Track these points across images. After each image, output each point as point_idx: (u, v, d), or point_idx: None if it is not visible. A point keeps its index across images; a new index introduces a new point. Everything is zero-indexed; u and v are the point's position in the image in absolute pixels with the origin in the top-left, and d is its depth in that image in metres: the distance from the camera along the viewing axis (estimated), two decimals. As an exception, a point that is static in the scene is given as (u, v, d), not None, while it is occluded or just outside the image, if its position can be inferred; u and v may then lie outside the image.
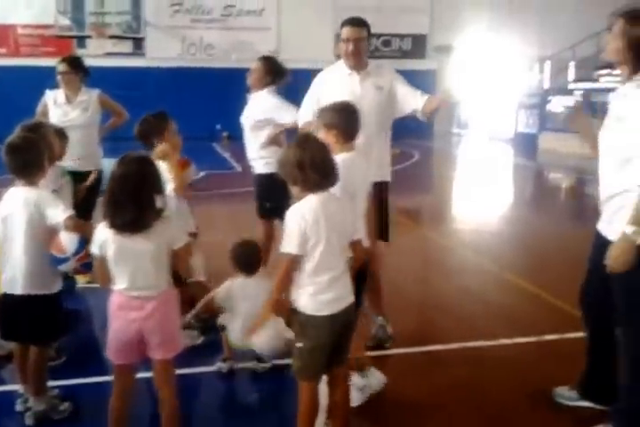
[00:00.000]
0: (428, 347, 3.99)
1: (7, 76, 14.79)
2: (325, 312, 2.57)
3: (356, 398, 3.13)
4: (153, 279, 2.58)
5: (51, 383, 3.15)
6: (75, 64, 5.04)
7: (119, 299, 2.61)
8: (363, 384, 3.25)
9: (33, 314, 2.94)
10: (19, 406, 3.12)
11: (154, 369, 2.71)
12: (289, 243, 2.51)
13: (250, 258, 3.60)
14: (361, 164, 3.01)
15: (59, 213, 2.83)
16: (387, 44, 17.85)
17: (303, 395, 2.67)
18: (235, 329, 3.47)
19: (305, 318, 2.59)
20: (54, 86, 5.09)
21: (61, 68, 4.98)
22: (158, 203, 2.55)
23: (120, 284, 2.58)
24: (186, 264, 2.72)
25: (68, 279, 4.62)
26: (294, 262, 2.53)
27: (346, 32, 3.79)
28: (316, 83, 4.01)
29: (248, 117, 4.80)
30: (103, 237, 2.54)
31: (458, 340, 4.05)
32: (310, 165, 2.52)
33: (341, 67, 3.93)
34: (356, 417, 3.02)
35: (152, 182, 2.55)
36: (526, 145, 16.43)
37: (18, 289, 2.91)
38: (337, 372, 2.75)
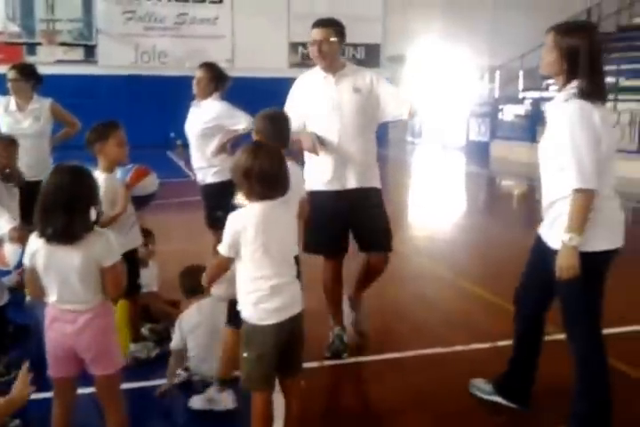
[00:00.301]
0: (386, 355, 3.99)
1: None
2: (270, 321, 2.57)
3: (196, 403, 3.19)
4: (82, 294, 2.51)
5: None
6: (25, 71, 4.94)
7: (53, 311, 2.56)
8: (213, 398, 3.21)
9: None
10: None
11: (96, 385, 2.65)
12: (223, 244, 2.56)
13: (196, 285, 3.54)
14: (294, 171, 2.99)
15: (2, 223, 2.76)
16: (341, 53, 17.97)
17: (255, 405, 2.66)
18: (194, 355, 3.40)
19: (250, 328, 2.60)
20: (5, 93, 4.97)
21: (11, 75, 4.87)
22: (92, 215, 2.50)
23: (51, 296, 2.53)
24: (114, 284, 2.54)
25: (16, 292, 4.51)
26: (225, 263, 2.59)
27: (313, 33, 3.75)
28: (293, 89, 3.99)
29: (196, 125, 4.77)
30: (34, 246, 2.49)
31: (414, 347, 4.07)
32: (257, 174, 2.52)
33: (317, 71, 3.89)
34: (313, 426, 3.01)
35: (85, 194, 2.49)
36: (478, 153, 16.70)
37: None
38: (289, 382, 2.74)
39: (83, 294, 2.51)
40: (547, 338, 4.17)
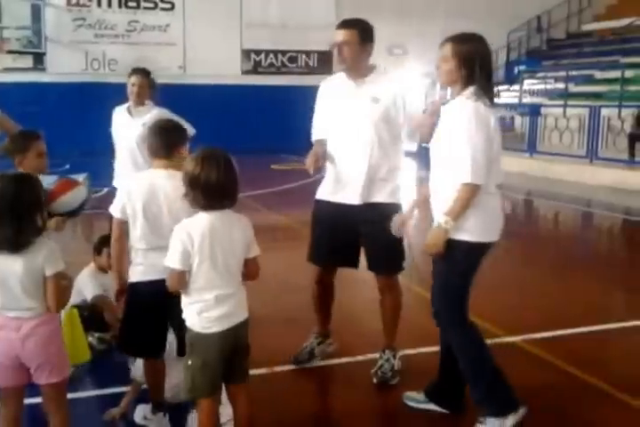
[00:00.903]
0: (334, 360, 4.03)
1: None
2: (213, 329, 2.58)
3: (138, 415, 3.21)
4: (24, 301, 2.49)
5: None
6: None
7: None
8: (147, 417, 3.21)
9: None
10: None
11: (42, 395, 2.63)
12: (171, 257, 2.56)
13: None
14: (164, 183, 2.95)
15: None
16: (293, 60, 17.99)
17: (200, 413, 2.66)
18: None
19: (194, 335, 2.61)
20: None
21: None
22: (38, 222, 2.49)
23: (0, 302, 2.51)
24: (54, 294, 2.50)
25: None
26: (181, 277, 2.58)
27: (335, 35, 3.55)
28: (318, 95, 3.83)
29: (134, 132, 4.72)
30: None
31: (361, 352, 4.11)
32: (203, 185, 2.52)
33: (341, 75, 3.69)
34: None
35: (30, 201, 2.48)
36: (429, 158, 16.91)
37: None
38: (236, 389, 2.74)
39: (25, 301, 2.48)
40: (493, 341, 4.33)
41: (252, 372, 3.67)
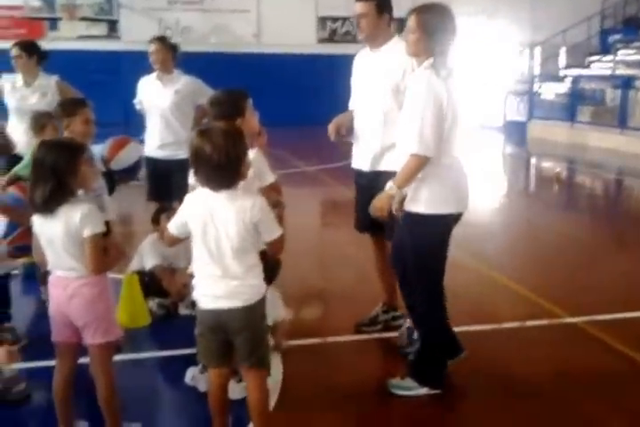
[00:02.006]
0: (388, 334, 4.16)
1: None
2: (202, 305, 2.70)
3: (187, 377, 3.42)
4: (68, 262, 2.69)
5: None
6: (28, 48, 5.15)
7: (50, 278, 2.79)
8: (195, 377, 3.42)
9: None
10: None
11: (89, 355, 2.84)
12: (172, 222, 2.72)
13: None
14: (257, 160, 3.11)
15: None
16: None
17: (208, 381, 2.84)
18: None
19: (197, 306, 2.75)
20: (11, 70, 5.21)
21: (14, 52, 5.10)
22: (71, 186, 2.68)
23: (49, 262, 2.75)
24: (90, 256, 2.67)
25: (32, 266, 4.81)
26: (173, 240, 2.76)
27: (354, 7, 3.76)
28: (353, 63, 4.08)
29: (171, 98, 4.97)
30: (35, 215, 2.72)
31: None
32: (202, 159, 2.56)
33: (366, 47, 3.94)
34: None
35: (63, 167, 2.66)
36: (516, 133, 16.63)
37: None
38: (244, 372, 2.81)
39: (68, 261, 2.69)
40: (554, 321, 4.37)
41: (305, 342, 4.01)
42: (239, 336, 2.68)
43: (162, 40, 5.13)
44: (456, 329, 4.15)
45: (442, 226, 3.29)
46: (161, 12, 16.42)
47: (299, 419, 3.14)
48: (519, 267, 5.82)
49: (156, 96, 5.07)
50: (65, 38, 15.61)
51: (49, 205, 2.64)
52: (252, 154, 2.95)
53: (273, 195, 3.14)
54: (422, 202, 3.21)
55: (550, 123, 16.01)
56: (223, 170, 2.55)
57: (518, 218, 8.04)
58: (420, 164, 3.13)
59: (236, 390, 3.08)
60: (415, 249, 3.31)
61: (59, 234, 2.66)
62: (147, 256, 4.46)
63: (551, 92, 16.78)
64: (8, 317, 3.29)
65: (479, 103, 19.05)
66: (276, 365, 3.48)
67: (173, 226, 2.72)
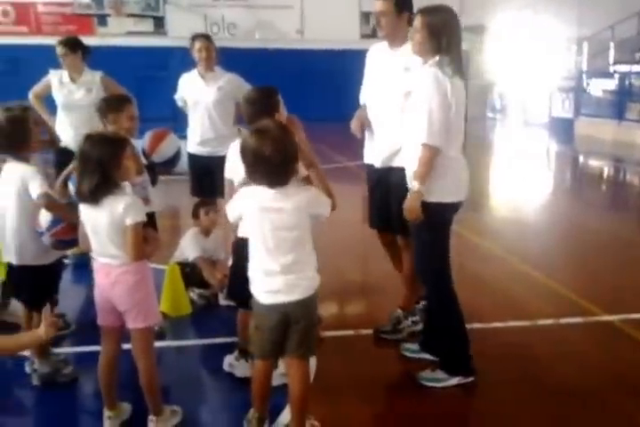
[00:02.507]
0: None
1: (29, 54, 15.26)
2: (260, 300, 2.78)
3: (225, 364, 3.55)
4: (111, 249, 2.85)
5: (58, 350, 3.54)
6: (72, 45, 5.31)
7: (95, 263, 2.96)
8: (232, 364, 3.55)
9: (28, 282, 3.33)
10: (27, 368, 3.50)
11: (131, 340, 2.99)
12: (230, 211, 2.81)
13: None
14: None
15: (36, 187, 3.18)
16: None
17: (253, 370, 2.94)
18: None
19: (253, 300, 2.83)
20: (58, 66, 5.39)
21: (60, 50, 5.26)
22: (116, 178, 2.84)
23: (93, 250, 2.92)
24: (131, 244, 2.82)
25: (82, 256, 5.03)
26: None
27: (374, 4, 3.82)
28: (366, 58, 4.15)
29: (210, 95, 5.08)
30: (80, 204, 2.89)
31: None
32: (258, 159, 2.62)
33: (384, 43, 3.96)
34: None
35: (108, 160, 2.81)
36: (561, 130, 16.45)
37: (13, 259, 3.32)
38: (289, 361, 2.88)
39: (111, 249, 2.85)
40: (589, 319, 4.40)
41: (338, 333, 4.13)
42: (294, 328, 2.77)
43: (208, 38, 5.20)
44: (492, 325, 4.28)
45: (448, 214, 3.47)
46: (206, 9, 16.68)
47: (329, 406, 3.25)
48: (558, 265, 5.83)
49: (199, 93, 5.17)
50: (113, 34, 15.96)
51: (95, 196, 2.80)
52: None
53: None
54: (434, 192, 3.32)
55: (597, 120, 15.80)
56: (281, 167, 2.63)
57: (561, 216, 8.00)
58: (432, 154, 3.26)
59: (276, 378, 3.18)
60: (422, 235, 3.45)
61: (103, 223, 2.81)
62: (188, 249, 4.63)
63: (599, 88, 16.55)
64: (55, 301, 3.48)
65: (524, 99, 18.91)
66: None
67: (231, 216, 2.81)
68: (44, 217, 3.20)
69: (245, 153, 2.67)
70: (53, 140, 3.93)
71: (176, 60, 15.68)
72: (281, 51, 16.20)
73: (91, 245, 2.92)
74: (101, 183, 2.79)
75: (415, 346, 3.82)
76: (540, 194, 9.58)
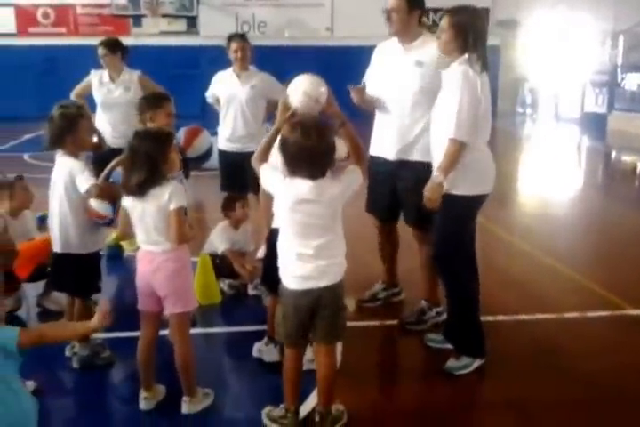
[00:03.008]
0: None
1: (66, 54, 15.65)
2: (291, 286, 2.88)
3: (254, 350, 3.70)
4: (155, 237, 3.04)
5: (98, 335, 3.76)
6: (112, 46, 5.54)
7: (139, 252, 3.16)
8: (261, 349, 3.72)
9: (71, 270, 3.55)
10: (67, 352, 3.74)
11: (169, 324, 3.20)
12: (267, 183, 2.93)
13: None
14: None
15: (83, 182, 3.38)
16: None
17: (284, 358, 3.07)
18: None
19: (282, 287, 2.94)
20: (96, 66, 5.63)
21: (101, 51, 5.50)
22: (163, 171, 3.02)
23: (138, 238, 3.11)
24: (174, 228, 2.99)
25: (115, 247, 5.27)
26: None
27: (386, 2, 3.95)
28: (372, 57, 4.29)
29: (248, 93, 5.28)
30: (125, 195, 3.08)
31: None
32: (293, 150, 2.75)
33: (394, 39, 4.07)
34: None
35: (156, 155, 3.00)
36: (594, 125, 16.31)
37: (57, 247, 3.54)
38: (317, 347, 3.02)
39: (155, 236, 3.05)
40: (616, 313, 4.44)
41: (363, 324, 4.28)
42: (322, 314, 2.88)
43: (244, 38, 5.36)
44: (519, 317, 4.40)
45: (473, 206, 3.60)
46: (237, 8, 16.88)
47: (354, 392, 3.40)
48: (586, 259, 5.92)
49: (234, 91, 5.35)
50: (147, 34, 16.27)
51: (142, 189, 2.99)
52: None
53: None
54: (461, 184, 3.47)
55: (632, 115, 15.62)
56: (322, 160, 2.76)
57: (590, 212, 8.01)
58: (459, 148, 3.40)
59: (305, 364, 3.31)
60: (446, 229, 3.58)
61: (150, 211, 3.01)
62: (217, 241, 4.81)
63: (634, 82, 16.35)
64: (98, 288, 3.69)
65: (555, 94, 18.76)
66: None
67: (269, 185, 2.91)
68: (102, 207, 3.41)
69: (287, 146, 2.77)
70: (100, 145, 4.13)
71: (206, 59, 15.98)
72: (310, 47, 16.35)
73: (130, 232, 3.14)
74: (149, 177, 2.97)
75: (439, 336, 3.94)
76: (570, 189, 9.57)
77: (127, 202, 3.09)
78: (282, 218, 2.89)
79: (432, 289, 4.25)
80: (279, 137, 2.89)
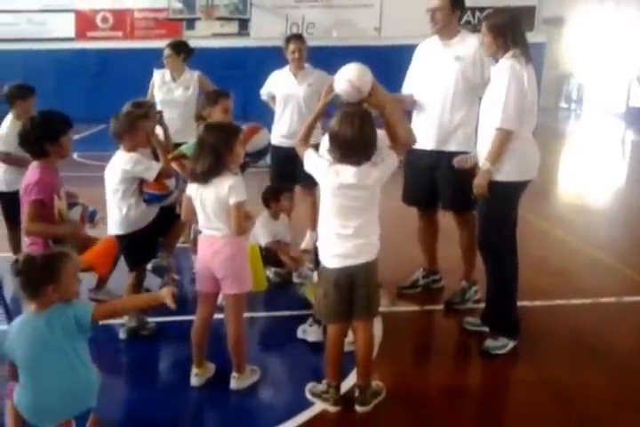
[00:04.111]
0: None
1: (123, 57, 16.04)
2: (330, 265, 3.07)
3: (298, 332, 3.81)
4: (215, 223, 3.19)
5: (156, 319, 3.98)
6: (176, 47, 5.76)
7: (200, 236, 3.33)
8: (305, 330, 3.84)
9: (126, 247, 3.87)
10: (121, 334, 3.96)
11: (225, 304, 3.36)
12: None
13: None
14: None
15: (150, 171, 3.72)
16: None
17: (327, 338, 3.21)
18: None
19: (321, 267, 3.13)
20: (160, 66, 5.84)
21: (166, 52, 5.71)
22: (227, 162, 3.16)
23: (199, 222, 3.28)
24: (234, 220, 3.14)
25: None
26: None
27: (430, 1, 4.13)
28: (414, 54, 4.44)
29: (305, 91, 5.37)
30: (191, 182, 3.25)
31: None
32: (336, 138, 2.96)
33: (434, 37, 4.27)
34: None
35: (221, 146, 3.15)
36: (639, 120, 15.96)
37: (117, 231, 3.83)
38: (355, 323, 3.15)
39: (215, 222, 3.20)
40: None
41: (405, 309, 4.40)
42: (361, 290, 3.06)
43: (301, 39, 5.47)
44: (555, 302, 4.45)
45: (517, 191, 3.69)
46: (288, 10, 17.02)
47: (393, 373, 3.51)
48: (625, 248, 5.91)
49: (291, 89, 5.45)
50: (200, 37, 16.55)
51: (206, 177, 3.14)
52: None
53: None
54: (506, 171, 3.57)
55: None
56: (366, 147, 2.95)
57: (633, 204, 7.90)
58: (506, 137, 3.51)
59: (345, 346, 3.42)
60: (491, 214, 3.69)
61: (210, 199, 3.16)
62: (259, 235, 4.90)
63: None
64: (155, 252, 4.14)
65: (601, 89, 18.42)
66: (377, 323, 3.86)
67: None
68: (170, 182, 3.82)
69: (334, 136, 2.96)
70: (167, 147, 4.34)
71: (253, 60, 16.20)
72: (359, 47, 16.39)
73: (192, 217, 3.30)
74: (213, 166, 3.13)
75: (476, 320, 4.03)
76: (613, 182, 9.45)
77: (191, 190, 3.25)
78: (324, 202, 3.07)
79: (470, 269, 4.40)
80: (328, 127, 3.04)
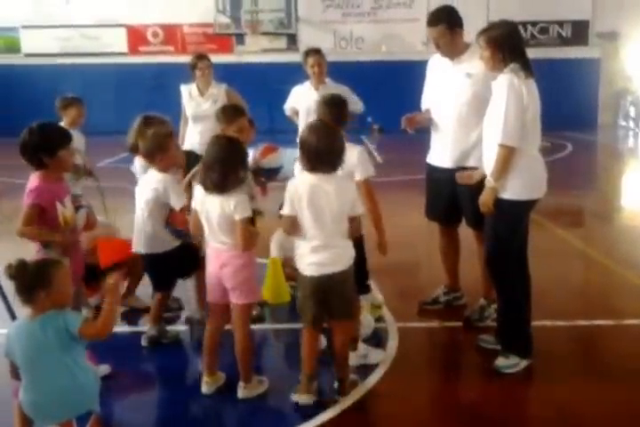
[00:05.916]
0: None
1: (175, 71, 16.50)
2: (307, 273, 3.26)
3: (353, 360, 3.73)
4: (220, 236, 3.32)
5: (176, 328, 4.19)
6: (210, 60, 5.96)
7: (207, 248, 3.44)
8: (364, 354, 3.86)
9: (151, 267, 4.01)
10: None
11: (232, 313, 3.48)
12: (285, 205, 3.27)
13: None
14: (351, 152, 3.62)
15: (177, 198, 3.79)
16: (544, 31, 17.44)
17: (302, 338, 3.39)
18: None
19: (298, 274, 3.32)
20: (187, 81, 6.04)
21: (206, 63, 5.91)
22: (240, 175, 3.30)
23: (206, 235, 3.40)
24: (240, 235, 3.27)
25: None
26: (291, 221, 3.27)
27: (428, 31, 4.23)
28: (427, 70, 4.53)
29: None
30: (197, 194, 3.37)
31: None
32: (305, 149, 3.19)
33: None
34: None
35: (234, 158, 3.31)
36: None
37: (141, 249, 3.95)
38: (332, 324, 3.41)
39: (220, 236, 3.34)
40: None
41: (424, 325, 4.48)
42: (336, 295, 3.28)
43: (320, 53, 5.61)
44: (576, 323, 4.44)
45: (525, 210, 3.69)
46: (336, 24, 17.25)
47: (409, 384, 3.62)
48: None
49: (312, 104, 5.54)
50: (250, 52, 16.91)
51: (222, 188, 3.27)
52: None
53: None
54: (511, 189, 3.59)
55: None
56: (330, 156, 3.20)
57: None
58: (508, 154, 3.54)
59: (352, 359, 3.60)
60: (498, 229, 3.69)
61: (215, 213, 3.30)
62: (274, 252, 4.95)
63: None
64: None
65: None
66: (369, 320, 4.14)
67: (287, 209, 3.27)
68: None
69: (304, 146, 3.22)
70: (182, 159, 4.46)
71: (301, 75, 16.42)
72: (406, 62, 16.49)
73: (199, 231, 3.44)
74: (229, 178, 3.27)
75: (491, 337, 4.05)
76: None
77: (196, 204, 3.38)
78: (302, 215, 3.24)
79: (489, 287, 4.36)
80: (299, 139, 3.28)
